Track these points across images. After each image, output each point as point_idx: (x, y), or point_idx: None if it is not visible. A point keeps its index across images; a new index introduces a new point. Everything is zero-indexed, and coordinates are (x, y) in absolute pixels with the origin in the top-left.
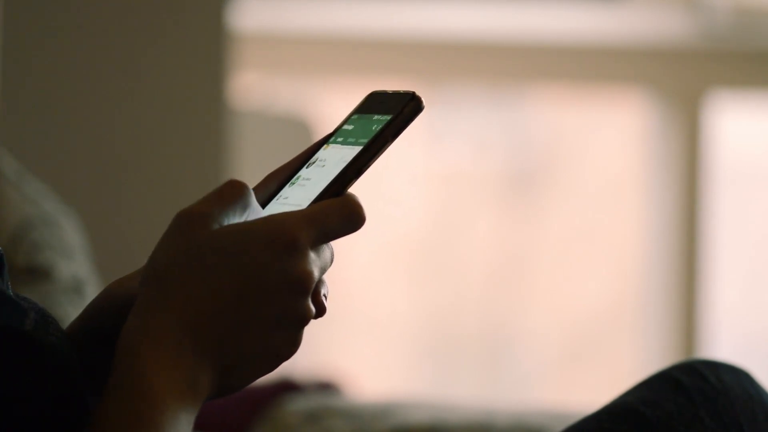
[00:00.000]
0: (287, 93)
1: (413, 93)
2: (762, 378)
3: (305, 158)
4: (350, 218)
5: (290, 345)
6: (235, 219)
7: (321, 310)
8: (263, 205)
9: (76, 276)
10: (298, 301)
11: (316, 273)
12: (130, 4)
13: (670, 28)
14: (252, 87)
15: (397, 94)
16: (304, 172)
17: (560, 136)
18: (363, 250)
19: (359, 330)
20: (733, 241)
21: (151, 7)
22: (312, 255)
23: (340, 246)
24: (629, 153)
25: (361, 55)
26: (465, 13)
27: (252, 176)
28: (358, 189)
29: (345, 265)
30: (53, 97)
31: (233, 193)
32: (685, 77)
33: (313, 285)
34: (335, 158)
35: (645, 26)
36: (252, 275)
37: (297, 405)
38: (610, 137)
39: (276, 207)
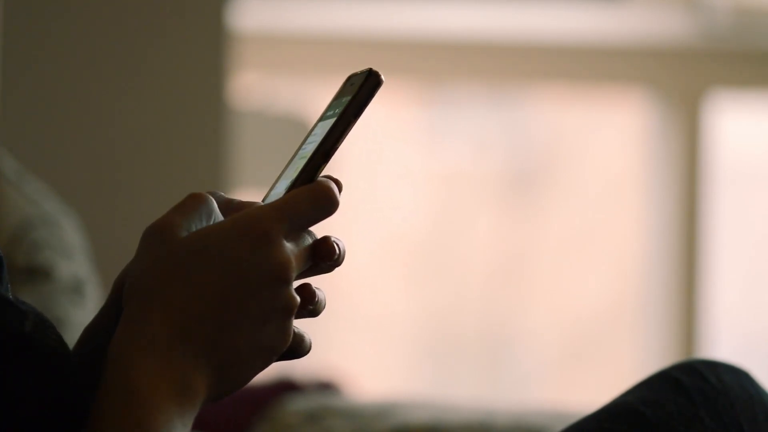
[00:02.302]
0: (287, 93)
1: (369, 69)
2: (762, 378)
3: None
4: (320, 204)
5: (282, 336)
6: (202, 225)
7: (311, 299)
8: (265, 196)
9: (76, 276)
10: (280, 291)
11: (293, 261)
12: (130, 5)
13: (670, 28)
14: (252, 87)
15: (359, 74)
16: (291, 163)
17: (560, 136)
18: (363, 250)
19: (359, 330)
20: (733, 241)
21: (151, 7)
22: (287, 244)
23: None
24: (629, 153)
25: (361, 55)
26: (465, 13)
27: (252, 176)
28: (357, 188)
29: (345, 265)
30: (53, 97)
31: (194, 203)
32: (685, 77)
33: (293, 273)
34: (310, 146)
35: (645, 26)
36: (230, 272)
37: (297, 405)
38: (610, 137)
39: (270, 197)
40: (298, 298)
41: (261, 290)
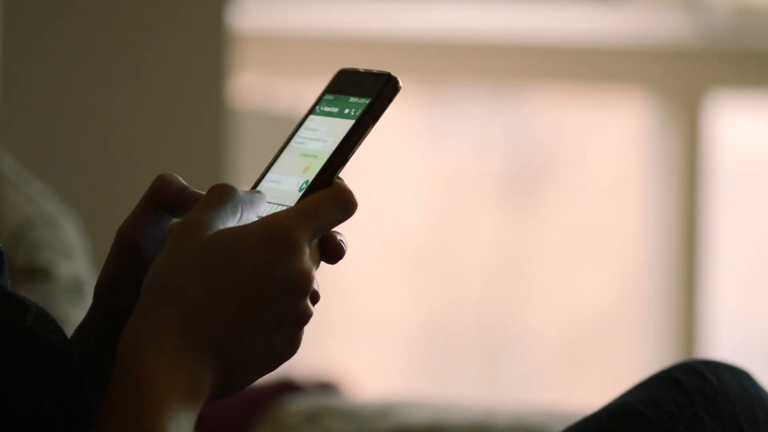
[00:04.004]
0: (287, 93)
1: (389, 74)
2: (762, 378)
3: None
4: (343, 207)
5: (291, 345)
6: (228, 220)
7: (315, 301)
8: (255, 184)
9: (76, 276)
10: (298, 302)
11: (314, 271)
12: (130, 4)
13: (670, 28)
14: (252, 87)
15: (371, 75)
16: (285, 156)
17: (560, 136)
18: (363, 251)
19: (359, 330)
20: (733, 241)
21: (151, 7)
22: (308, 252)
23: None
24: (629, 153)
25: (361, 55)
26: (465, 13)
27: (252, 176)
28: (357, 189)
29: (345, 265)
30: (53, 97)
31: (219, 196)
32: (685, 77)
33: (312, 284)
34: (317, 145)
35: (645, 26)
36: (253, 277)
37: (297, 405)
38: (610, 137)
39: (268, 189)
40: (313, 309)
41: (280, 299)
